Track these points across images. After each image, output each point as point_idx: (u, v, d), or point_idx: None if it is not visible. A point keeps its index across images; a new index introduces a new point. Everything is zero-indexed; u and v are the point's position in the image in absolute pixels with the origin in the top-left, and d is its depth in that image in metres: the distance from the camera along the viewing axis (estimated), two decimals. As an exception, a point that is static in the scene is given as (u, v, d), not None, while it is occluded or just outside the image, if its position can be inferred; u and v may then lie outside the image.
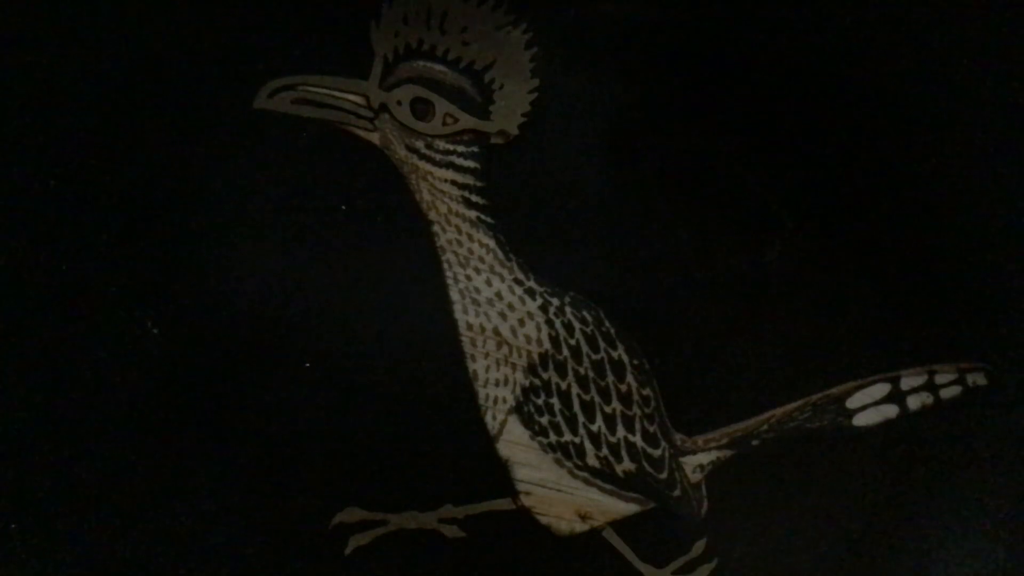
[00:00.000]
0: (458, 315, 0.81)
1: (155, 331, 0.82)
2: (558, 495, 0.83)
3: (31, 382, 0.82)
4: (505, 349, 0.82)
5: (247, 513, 0.83)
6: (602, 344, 0.82)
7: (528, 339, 0.82)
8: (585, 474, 0.83)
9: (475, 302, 0.81)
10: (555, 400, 0.82)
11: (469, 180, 0.81)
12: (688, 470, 0.84)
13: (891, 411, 0.85)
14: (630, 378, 0.83)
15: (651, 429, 0.83)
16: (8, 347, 0.82)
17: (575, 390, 0.82)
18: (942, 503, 0.86)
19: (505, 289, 0.82)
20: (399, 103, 0.79)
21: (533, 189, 0.82)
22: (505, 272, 0.82)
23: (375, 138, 0.80)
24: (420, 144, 0.80)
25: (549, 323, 0.82)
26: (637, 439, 0.83)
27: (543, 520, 0.83)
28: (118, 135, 0.81)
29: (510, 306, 0.82)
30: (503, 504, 0.83)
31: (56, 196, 0.81)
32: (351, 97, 0.79)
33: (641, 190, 0.83)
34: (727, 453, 0.84)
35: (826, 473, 0.85)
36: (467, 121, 0.80)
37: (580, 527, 0.84)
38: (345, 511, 0.83)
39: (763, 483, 0.85)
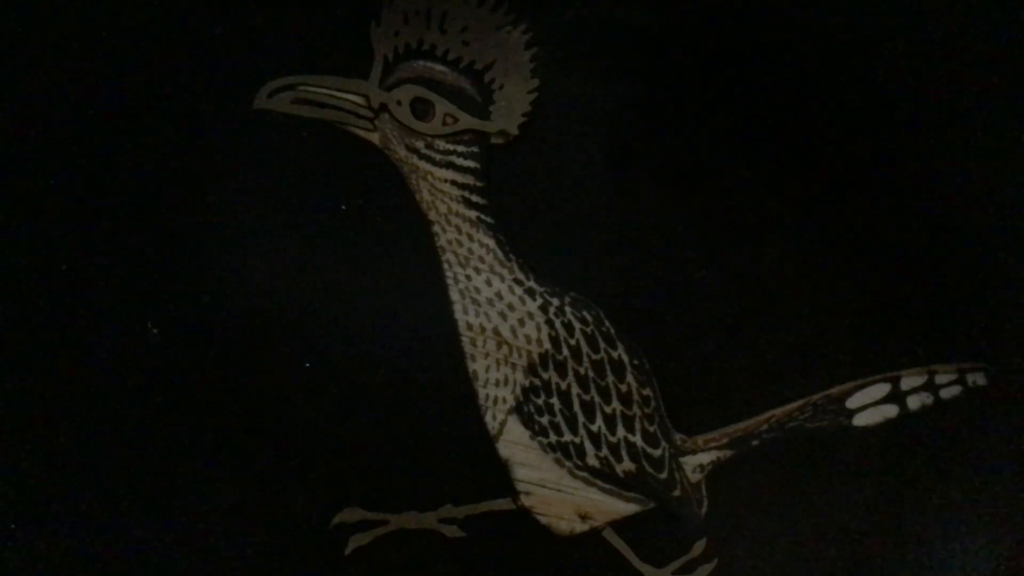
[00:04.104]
0: (458, 315, 0.81)
1: (155, 331, 0.82)
2: (558, 495, 0.83)
3: (31, 382, 0.82)
4: (505, 349, 0.82)
5: (247, 513, 0.83)
6: (602, 344, 0.82)
7: (528, 339, 0.82)
8: (585, 474, 0.83)
9: (475, 302, 0.81)
10: (555, 400, 0.82)
11: (469, 180, 0.81)
12: (688, 470, 0.84)
13: (891, 411, 0.85)
14: (630, 378, 0.83)
15: (651, 429, 0.83)
16: (8, 347, 0.82)
17: (575, 390, 0.82)
18: (942, 503, 0.86)
19: (505, 289, 0.82)
20: (399, 103, 0.79)
21: (533, 189, 0.82)
22: (505, 272, 0.82)
23: (375, 138, 0.80)
24: (420, 144, 0.80)
25: (549, 323, 0.82)
26: (637, 439, 0.83)
27: (543, 520, 0.83)
28: (118, 135, 0.81)
29: (510, 306, 0.82)
30: (503, 504, 0.83)
31: (56, 196, 0.81)
32: (351, 97, 0.79)
33: (641, 190, 0.83)
34: (727, 453, 0.84)
35: (826, 473, 0.85)
36: (467, 121, 0.80)
37: (580, 527, 0.84)
38: (345, 511, 0.83)
39: (763, 483, 0.85)
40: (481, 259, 0.81)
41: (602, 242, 0.83)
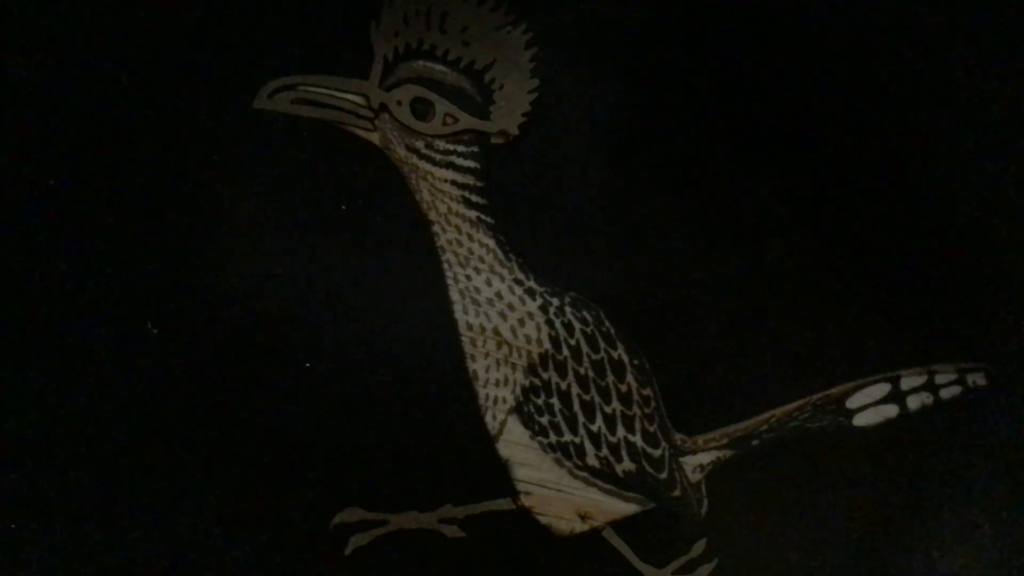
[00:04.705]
0: (458, 315, 0.81)
1: (155, 331, 0.82)
2: (558, 495, 0.83)
3: (31, 382, 0.82)
4: (505, 349, 0.82)
5: (247, 513, 0.83)
6: (602, 344, 0.82)
7: (528, 339, 0.82)
8: (585, 474, 0.83)
9: (475, 302, 0.81)
10: (555, 400, 0.82)
11: (469, 180, 0.81)
12: (688, 470, 0.84)
13: (891, 411, 0.85)
14: (630, 378, 0.83)
15: (651, 429, 0.83)
16: (9, 347, 0.82)
17: (575, 390, 0.82)
18: (942, 503, 0.86)
19: (505, 289, 0.82)
20: (399, 103, 0.79)
21: (533, 189, 0.82)
22: (505, 272, 0.82)
23: (375, 138, 0.80)
24: (420, 144, 0.80)
25: (549, 323, 0.82)
26: (637, 439, 0.83)
27: (543, 520, 0.83)
28: (118, 135, 0.81)
29: (510, 306, 0.82)
30: (503, 504, 0.83)
31: (56, 196, 0.81)
32: (351, 97, 0.79)
33: (641, 190, 0.83)
34: (727, 453, 0.84)
35: (826, 473, 0.85)
36: (467, 121, 0.80)
37: (580, 527, 0.84)
38: (345, 511, 0.83)
39: (763, 483, 0.85)
40: (481, 259, 0.81)
41: (602, 242, 0.83)
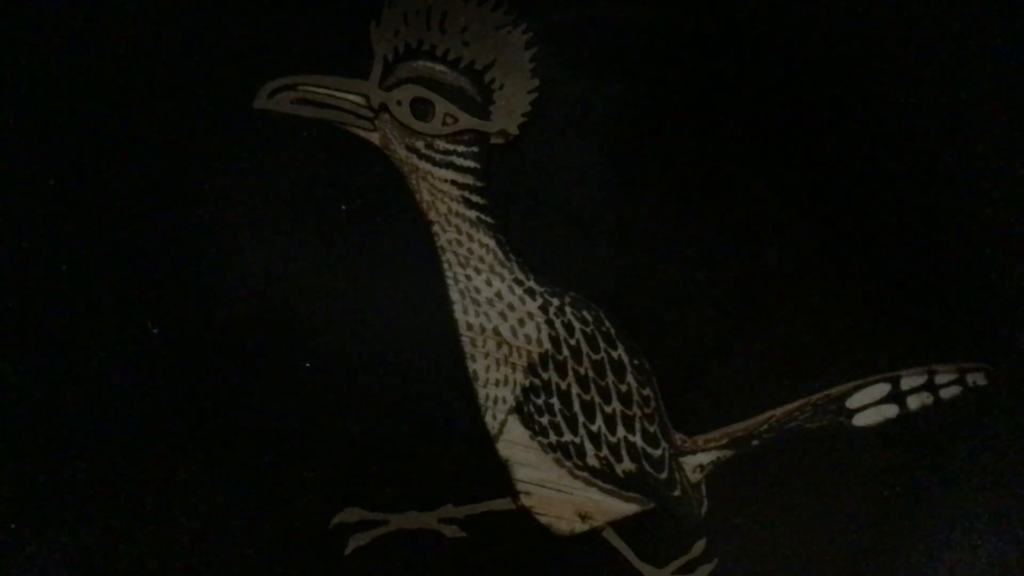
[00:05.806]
0: (458, 315, 0.81)
1: (155, 331, 0.82)
2: (558, 495, 0.83)
3: (31, 382, 0.82)
4: (505, 349, 0.82)
5: (247, 513, 0.83)
6: (602, 344, 0.82)
7: (528, 339, 0.82)
8: (585, 474, 0.83)
9: (475, 302, 0.81)
10: (555, 400, 0.82)
11: (469, 180, 0.81)
12: (688, 470, 0.84)
13: (891, 411, 0.85)
14: (630, 378, 0.83)
15: (651, 429, 0.83)
16: (9, 347, 0.82)
17: (575, 390, 0.82)
18: (942, 503, 0.86)
19: (505, 289, 0.82)
20: (399, 103, 0.79)
21: (533, 189, 0.82)
22: (505, 272, 0.82)
23: (375, 138, 0.80)
24: (420, 144, 0.80)
25: (549, 323, 0.82)
26: (637, 439, 0.83)
27: (543, 520, 0.83)
28: (118, 135, 0.81)
29: (510, 306, 0.82)
30: (503, 504, 0.83)
31: (56, 196, 0.81)
32: (351, 97, 0.79)
33: (641, 190, 0.83)
34: (727, 453, 0.84)
35: (826, 473, 0.85)
36: (467, 121, 0.80)
37: (580, 527, 0.84)
38: (345, 511, 0.83)
39: (763, 483, 0.85)
40: (481, 259, 0.81)
41: (602, 242, 0.83)
